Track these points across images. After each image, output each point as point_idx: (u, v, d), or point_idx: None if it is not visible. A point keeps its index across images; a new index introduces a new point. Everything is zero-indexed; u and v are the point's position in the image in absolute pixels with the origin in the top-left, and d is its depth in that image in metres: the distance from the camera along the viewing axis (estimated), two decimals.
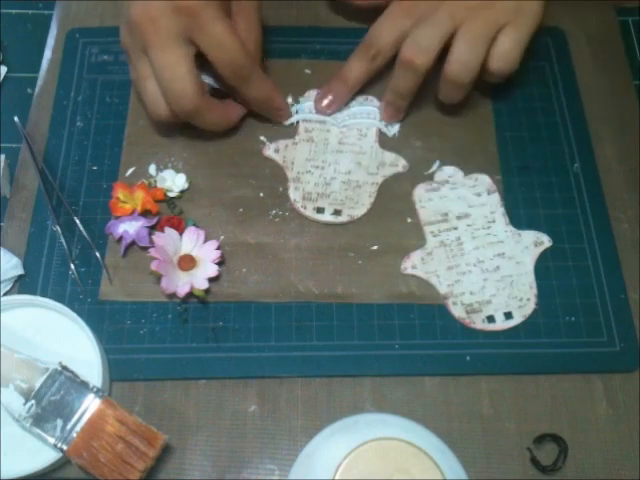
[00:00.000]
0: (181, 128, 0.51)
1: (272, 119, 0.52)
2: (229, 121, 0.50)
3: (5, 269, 0.45)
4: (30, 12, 0.58)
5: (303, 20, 0.57)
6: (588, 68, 0.55)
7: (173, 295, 0.45)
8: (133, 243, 0.47)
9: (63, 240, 0.47)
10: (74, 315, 0.43)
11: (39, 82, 0.54)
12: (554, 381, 0.44)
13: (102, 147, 0.51)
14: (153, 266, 0.44)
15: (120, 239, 0.47)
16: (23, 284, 0.46)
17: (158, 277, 0.44)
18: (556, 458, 0.42)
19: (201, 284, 0.45)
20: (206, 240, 0.47)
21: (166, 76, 0.44)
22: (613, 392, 0.44)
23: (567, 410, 0.43)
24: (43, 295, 0.45)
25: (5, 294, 0.45)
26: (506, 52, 0.47)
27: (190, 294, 0.44)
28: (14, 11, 0.58)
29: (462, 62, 0.46)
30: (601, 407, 0.43)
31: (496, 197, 0.49)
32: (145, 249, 0.46)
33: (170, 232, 0.46)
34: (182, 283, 0.44)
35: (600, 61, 0.56)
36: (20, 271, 0.46)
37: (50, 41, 0.56)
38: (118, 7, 0.45)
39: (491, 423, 0.43)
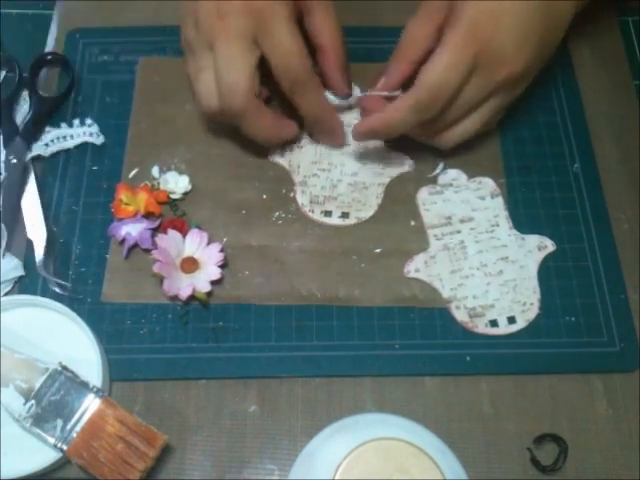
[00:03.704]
0: (186, 130, 0.51)
1: (324, 141, 0.51)
2: (279, 135, 0.48)
3: (6, 270, 0.45)
4: (30, 12, 0.58)
5: None
6: (588, 68, 0.55)
7: (175, 297, 0.45)
8: (136, 245, 0.47)
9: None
10: (74, 315, 0.43)
11: (39, 82, 0.54)
12: (554, 381, 0.44)
13: (102, 147, 0.51)
14: (155, 268, 0.44)
15: (123, 241, 0.47)
16: (23, 284, 0.46)
17: (160, 279, 0.44)
18: (556, 458, 0.41)
19: (203, 287, 0.44)
20: (209, 243, 0.46)
21: (224, 66, 0.43)
22: (613, 392, 0.44)
23: (567, 410, 0.43)
24: (43, 295, 0.45)
25: (5, 295, 0.45)
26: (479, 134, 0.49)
27: (192, 297, 0.44)
28: (14, 11, 0.58)
29: (456, 140, 0.48)
30: (601, 407, 0.43)
31: (500, 201, 0.49)
32: (148, 251, 0.46)
33: (173, 234, 0.46)
34: (184, 285, 0.44)
35: (600, 61, 0.56)
36: (20, 272, 0.46)
37: (50, 41, 0.56)
38: (181, 6, 0.46)
39: (491, 423, 0.43)
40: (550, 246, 0.48)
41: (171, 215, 0.48)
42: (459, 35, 0.42)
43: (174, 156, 0.51)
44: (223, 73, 0.44)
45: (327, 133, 0.50)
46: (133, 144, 0.51)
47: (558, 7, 0.44)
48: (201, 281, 0.45)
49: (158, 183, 0.49)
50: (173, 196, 0.49)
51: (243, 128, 0.46)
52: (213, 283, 0.45)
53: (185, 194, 0.49)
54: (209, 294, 0.45)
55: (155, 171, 0.50)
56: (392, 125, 0.45)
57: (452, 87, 0.43)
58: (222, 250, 0.46)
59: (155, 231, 0.47)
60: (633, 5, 0.59)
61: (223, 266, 0.46)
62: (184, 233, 0.46)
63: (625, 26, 0.58)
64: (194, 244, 0.46)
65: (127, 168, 0.50)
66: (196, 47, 0.45)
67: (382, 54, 0.54)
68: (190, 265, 0.46)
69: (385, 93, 0.48)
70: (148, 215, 0.48)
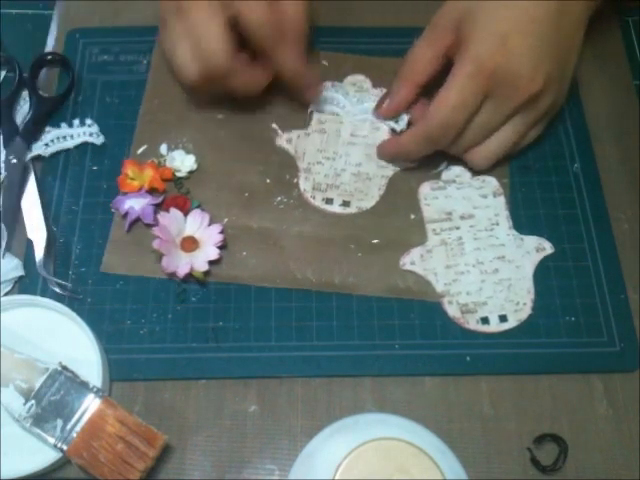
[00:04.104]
0: (196, 111, 0.52)
1: (298, 97, 0.50)
2: (258, 84, 0.48)
3: (6, 270, 0.45)
4: (30, 12, 0.58)
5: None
6: (588, 68, 0.55)
7: (173, 275, 0.45)
8: (138, 219, 0.47)
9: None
10: (74, 315, 0.43)
11: (39, 82, 0.54)
12: (554, 381, 0.44)
13: (102, 147, 0.51)
14: (155, 245, 0.44)
15: (125, 215, 0.47)
16: (23, 284, 0.46)
17: (160, 255, 0.45)
18: (556, 458, 0.41)
19: (201, 266, 0.45)
20: (210, 223, 0.47)
21: (198, 33, 0.44)
22: (613, 392, 0.44)
23: (567, 410, 0.43)
24: (43, 295, 0.45)
25: (5, 295, 0.45)
26: (520, 148, 0.49)
27: (189, 275, 0.45)
28: (14, 11, 0.58)
29: (490, 157, 0.47)
30: (601, 407, 0.43)
31: (501, 200, 0.49)
32: (149, 226, 0.47)
33: (175, 213, 0.46)
34: (183, 264, 0.45)
35: (600, 61, 0.56)
36: (21, 272, 0.46)
37: (50, 41, 0.56)
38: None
39: (491, 423, 0.43)
40: (548, 248, 0.48)
41: (175, 192, 0.49)
42: (466, 67, 0.42)
43: (183, 135, 0.51)
44: (199, 41, 0.44)
45: (303, 88, 0.49)
46: (144, 120, 0.52)
47: (569, 13, 0.44)
48: (199, 260, 0.45)
49: (165, 160, 0.50)
50: (178, 174, 0.49)
51: (224, 86, 0.47)
52: (211, 263, 0.45)
53: (190, 173, 0.50)
54: (206, 273, 0.45)
55: (163, 148, 0.50)
56: (406, 152, 0.48)
57: (462, 120, 0.44)
58: (222, 231, 0.46)
59: (158, 207, 0.48)
60: (633, 5, 0.59)
61: (222, 247, 0.46)
62: (186, 211, 0.47)
63: (625, 26, 0.58)
64: (195, 224, 0.47)
65: (136, 143, 0.51)
66: (167, 15, 0.46)
67: (382, 54, 0.55)
68: (190, 244, 0.46)
69: (391, 124, 0.50)
70: (152, 191, 0.48)
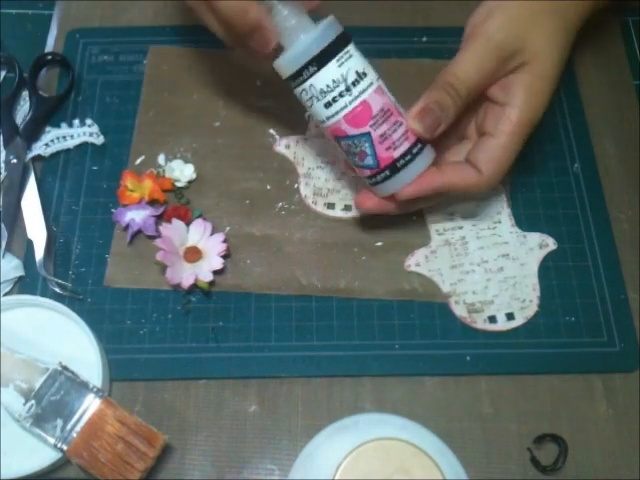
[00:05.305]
0: (193, 120, 0.51)
1: (252, 49, 0.41)
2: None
3: (6, 270, 0.45)
4: (30, 12, 0.58)
5: None
6: (588, 68, 0.55)
7: (177, 286, 0.45)
8: (139, 231, 0.47)
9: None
10: (74, 315, 0.43)
11: (39, 82, 0.54)
12: (554, 381, 0.44)
13: (102, 147, 0.51)
14: (159, 257, 0.44)
15: (127, 227, 0.47)
16: (24, 284, 0.46)
17: (163, 267, 0.45)
18: (556, 458, 0.41)
19: (206, 276, 0.45)
20: (213, 232, 0.47)
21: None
22: (613, 392, 0.44)
23: (567, 410, 0.43)
24: (43, 295, 0.45)
25: (5, 295, 0.45)
26: None
27: (194, 285, 0.45)
28: (14, 11, 0.58)
29: None
30: (601, 407, 0.43)
31: (503, 198, 0.49)
32: (151, 238, 0.46)
33: (177, 223, 0.46)
34: (187, 275, 0.45)
35: (600, 61, 0.56)
36: (21, 272, 0.46)
37: (50, 41, 0.56)
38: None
39: (491, 423, 0.43)
40: (551, 244, 0.48)
41: (175, 203, 0.49)
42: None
43: (180, 144, 0.51)
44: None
45: (250, 35, 0.41)
46: (141, 131, 0.51)
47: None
48: (204, 271, 0.45)
49: (164, 171, 0.49)
50: (178, 184, 0.49)
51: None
52: (215, 272, 0.45)
53: (190, 182, 0.49)
54: (211, 283, 0.45)
55: (161, 159, 0.50)
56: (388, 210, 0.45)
57: None
58: (225, 240, 0.46)
59: (159, 218, 0.48)
60: (633, 5, 0.59)
61: (226, 256, 0.46)
62: (187, 221, 0.47)
63: (625, 26, 0.58)
64: (198, 234, 0.47)
65: (134, 155, 0.50)
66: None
67: (382, 54, 0.55)
68: (193, 255, 0.46)
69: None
70: (152, 202, 0.48)
